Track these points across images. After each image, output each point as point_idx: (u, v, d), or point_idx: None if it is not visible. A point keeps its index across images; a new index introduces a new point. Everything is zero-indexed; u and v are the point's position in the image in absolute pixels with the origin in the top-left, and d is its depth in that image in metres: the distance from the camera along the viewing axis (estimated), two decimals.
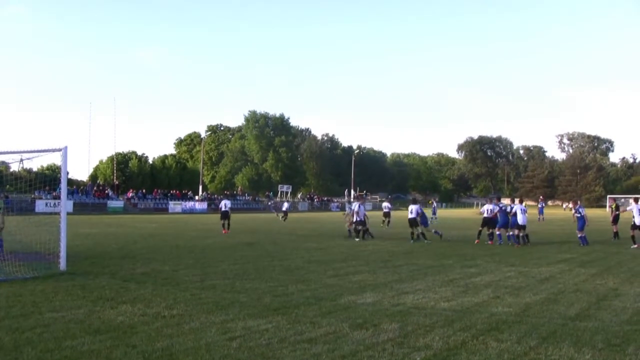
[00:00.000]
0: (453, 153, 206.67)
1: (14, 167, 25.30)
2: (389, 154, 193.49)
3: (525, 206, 28.76)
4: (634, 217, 27.35)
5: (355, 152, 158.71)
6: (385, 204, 45.56)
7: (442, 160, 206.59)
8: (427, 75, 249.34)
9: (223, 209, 39.70)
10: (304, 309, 11.99)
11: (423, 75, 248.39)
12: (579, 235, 28.81)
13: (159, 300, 12.77)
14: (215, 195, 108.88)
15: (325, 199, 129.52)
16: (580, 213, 29.23)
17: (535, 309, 12.46)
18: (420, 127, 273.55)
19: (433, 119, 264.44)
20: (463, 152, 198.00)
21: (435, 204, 44.37)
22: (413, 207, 30.79)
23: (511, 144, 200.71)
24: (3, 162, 24.88)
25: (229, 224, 38.62)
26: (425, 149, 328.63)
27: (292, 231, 31.58)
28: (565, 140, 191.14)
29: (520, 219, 28.01)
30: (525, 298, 13.76)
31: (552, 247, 28.05)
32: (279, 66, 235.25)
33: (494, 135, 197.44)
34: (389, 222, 44.10)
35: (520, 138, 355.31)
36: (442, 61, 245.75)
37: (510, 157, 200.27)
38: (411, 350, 8.99)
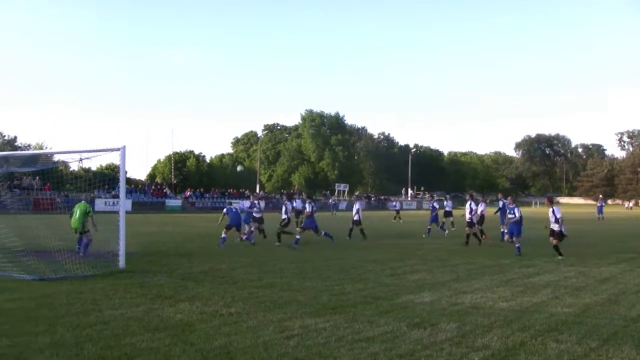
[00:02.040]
0: (511, 151, 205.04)
1: (74, 167, 25.66)
2: (445, 153, 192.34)
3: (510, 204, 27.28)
4: None
5: (412, 150, 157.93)
6: (447, 203, 44.81)
7: (499, 159, 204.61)
8: (484, 72, 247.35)
9: (298, 207, 40.72)
10: (361, 308, 11.98)
11: (480, 73, 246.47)
12: None
13: (217, 299, 12.85)
14: (273, 195, 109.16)
15: (382, 198, 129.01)
16: None
17: (596, 309, 12.30)
18: (478, 126, 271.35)
19: (490, 117, 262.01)
20: (520, 151, 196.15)
21: (502, 201, 43.46)
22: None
23: (569, 141, 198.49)
24: (63, 162, 25.25)
25: (301, 222, 39.39)
26: (483, 147, 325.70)
27: (347, 229, 31.40)
28: (625, 138, 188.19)
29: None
30: (585, 298, 13.59)
31: (613, 247, 27.66)
32: (336, 65, 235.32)
33: (552, 133, 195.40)
34: (452, 222, 43.12)
35: (578, 136, 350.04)
36: (498, 59, 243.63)
37: (569, 156, 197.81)
38: (469, 350, 8.93)
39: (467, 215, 28.63)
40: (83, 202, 22.12)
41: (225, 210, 28.17)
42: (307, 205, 27.47)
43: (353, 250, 24.90)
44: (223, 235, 26.16)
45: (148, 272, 17.18)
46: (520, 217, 24.23)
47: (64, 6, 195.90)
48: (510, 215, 24.38)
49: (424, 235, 33.91)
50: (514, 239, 23.96)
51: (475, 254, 23.17)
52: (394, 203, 46.80)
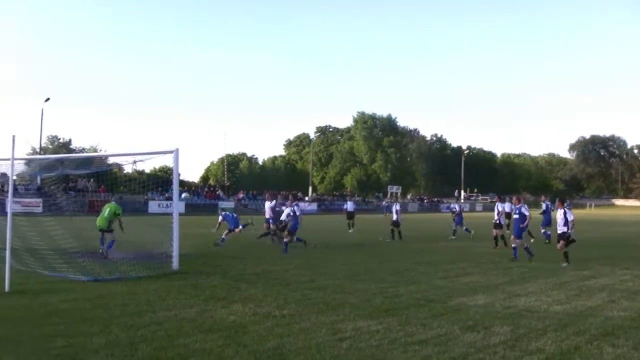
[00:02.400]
0: (565, 153, 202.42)
1: (128, 169, 25.99)
2: (499, 154, 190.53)
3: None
4: None
5: (465, 152, 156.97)
6: (507, 204, 44.09)
7: (553, 161, 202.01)
8: (538, 72, 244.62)
9: (349, 209, 42.06)
10: (414, 311, 11.93)
11: (534, 73, 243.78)
12: None
13: (270, 300, 12.88)
14: (325, 197, 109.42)
15: (435, 199, 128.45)
16: None
17: None
18: (531, 127, 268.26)
19: (544, 118, 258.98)
20: (575, 152, 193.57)
21: (546, 204, 42.86)
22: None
23: (625, 143, 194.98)
24: (117, 164, 25.54)
25: (353, 224, 40.30)
26: (536, 148, 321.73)
27: (407, 233, 31.35)
28: None
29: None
30: None
31: None
32: (387, 66, 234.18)
33: (607, 134, 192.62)
34: (508, 225, 42.30)
35: (634, 137, 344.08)
36: (552, 58, 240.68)
37: (624, 157, 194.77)
38: (523, 353, 8.85)
39: (495, 217, 28.57)
40: (113, 202, 22.36)
41: (221, 217, 28.42)
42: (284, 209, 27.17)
43: (405, 253, 24.83)
44: (223, 236, 26.69)
45: (201, 273, 17.30)
46: (524, 217, 23.26)
47: (114, 11, 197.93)
48: (515, 216, 23.59)
49: (452, 237, 33.80)
50: (512, 239, 23.00)
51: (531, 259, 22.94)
52: (453, 205, 46.62)
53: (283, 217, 25.94)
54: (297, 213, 25.50)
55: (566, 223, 21.05)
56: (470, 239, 33.07)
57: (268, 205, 29.55)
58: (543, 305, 12.94)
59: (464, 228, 34.98)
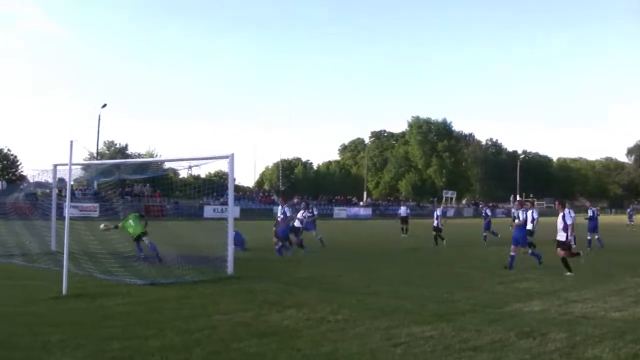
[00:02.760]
0: (622, 157, 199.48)
1: (183, 174, 26.17)
2: (554, 159, 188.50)
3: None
4: None
5: (520, 157, 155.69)
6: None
7: (610, 165, 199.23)
8: (594, 76, 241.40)
9: (402, 214, 42.19)
10: (469, 317, 11.81)
11: (590, 77, 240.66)
12: None
13: (324, 305, 12.84)
14: (380, 201, 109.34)
15: (490, 204, 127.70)
16: None
17: None
18: (588, 131, 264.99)
19: (601, 122, 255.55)
20: (633, 156, 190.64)
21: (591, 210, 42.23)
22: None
23: None
24: (173, 169, 25.76)
25: (407, 229, 40.46)
26: (593, 153, 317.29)
27: (455, 237, 31.18)
28: None
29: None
30: None
31: None
32: (442, 70, 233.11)
33: None
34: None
35: None
36: (608, 61, 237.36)
37: None
38: None
39: (530, 225, 28.41)
40: (133, 213, 22.78)
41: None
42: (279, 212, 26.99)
43: (460, 258, 24.73)
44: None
45: (255, 278, 17.33)
46: (526, 221, 22.60)
47: (169, 19, 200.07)
48: (517, 221, 23.07)
49: (485, 243, 33.54)
50: (513, 247, 21.74)
51: (586, 263, 22.61)
52: (515, 211, 46.33)
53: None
54: (287, 214, 25.64)
55: (565, 228, 19.80)
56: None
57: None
58: (600, 312, 12.73)
59: (492, 232, 34.83)
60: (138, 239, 21.78)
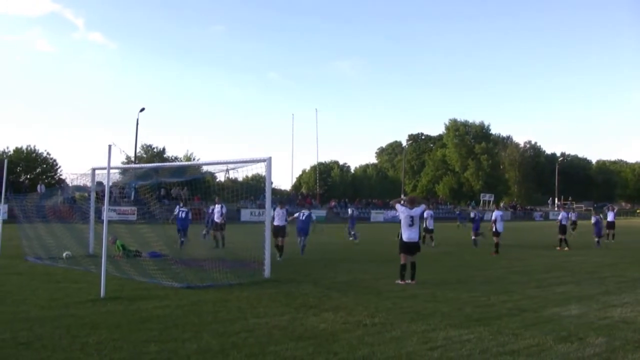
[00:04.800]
0: None
1: (220, 178, 26.16)
2: (594, 161, 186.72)
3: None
4: None
5: (559, 159, 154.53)
6: (610, 213, 42.62)
7: None
8: (633, 78, 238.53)
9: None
10: (506, 320, 11.74)
11: (632, 77, 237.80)
12: None
13: (361, 309, 12.83)
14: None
15: (528, 208, 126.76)
16: None
17: None
18: (628, 132, 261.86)
19: None
20: None
21: (607, 212, 42.02)
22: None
23: None
24: (210, 173, 25.80)
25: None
26: (634, 155, 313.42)
27: (492, 240, 30.99)
28: None
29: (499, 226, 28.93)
30: None
31: None
32: (480, 72, 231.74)
33: None
34: (614, 234, 41.10)
35: None
36: None
37: None
38: None
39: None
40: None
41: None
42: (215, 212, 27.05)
43: (497, 261, 24.59)
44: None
45: (292, 281, 17.37)
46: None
47: (207, 20, 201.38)
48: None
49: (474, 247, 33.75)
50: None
51: (626, 267, 22.42)
52: (566, 213, 46.26)
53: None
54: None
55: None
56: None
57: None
58: None
59: (476, 234, 35.40)
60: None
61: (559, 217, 34.32)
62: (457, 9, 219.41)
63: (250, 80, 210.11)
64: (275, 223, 24.01)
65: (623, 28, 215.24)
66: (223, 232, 29.18)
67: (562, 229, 33.51)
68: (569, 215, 48.10)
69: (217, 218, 29.04)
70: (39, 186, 62.32)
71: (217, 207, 29.46)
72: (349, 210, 43.43)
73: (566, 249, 31.99)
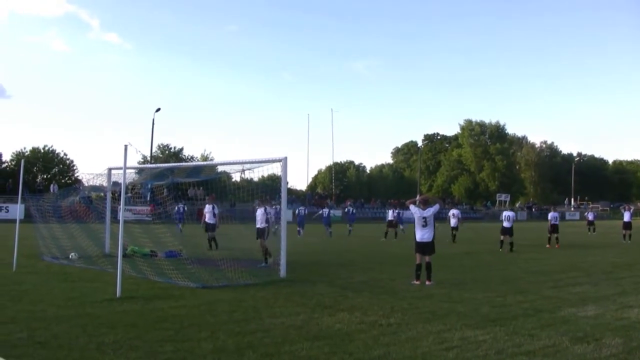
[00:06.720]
0: None
1: (236, 178, 26.06)
2: (610, 161, 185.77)
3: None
4: None
5: (576, 159, 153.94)
6: (626, 213, 42.19)
7: None
8: None
9: (389, 217, 44.33)
10: (522, 321, 11.70)
11: None
12: None
13: (376, 309, 12.82)
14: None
15: (544, 207, 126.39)
16: None
17: None
18: None
19: None
20: None
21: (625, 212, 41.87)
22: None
23: None
24: (226, 173, 25.77)
25: (395, 233, 42.89)
26: None
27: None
28: None
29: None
30: None
31: None
32: (495, 72, 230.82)
33: None
34: (630, 235, 40.59)
35: None
36: None
37: None
38: None
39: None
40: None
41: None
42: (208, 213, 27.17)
43: (514, 261, 24.52)
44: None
45: (308, 281, 17.39)
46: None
47: (224, 20, 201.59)
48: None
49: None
50: None
51: None
52: (588, 213, 46.31)
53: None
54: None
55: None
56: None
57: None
58: None
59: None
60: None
61: (549, 217, 35.93)
62: (472, 8, 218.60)
63: (265, 80, 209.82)
64: (257, 225, 22.73)
65: (627, 30, 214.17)
66: (213, 233, 28.67)
67: (553, 227, 35.04)
68: (587, 215, 48.77)
69: (208, 219, 28.89)
70: (52, 186, 62.61)
71: (208, 207, 29.36)
72: (347, 209, 50.44)
73: (557, 246, 33.71)
